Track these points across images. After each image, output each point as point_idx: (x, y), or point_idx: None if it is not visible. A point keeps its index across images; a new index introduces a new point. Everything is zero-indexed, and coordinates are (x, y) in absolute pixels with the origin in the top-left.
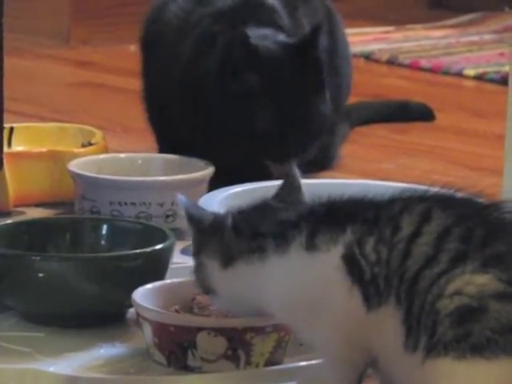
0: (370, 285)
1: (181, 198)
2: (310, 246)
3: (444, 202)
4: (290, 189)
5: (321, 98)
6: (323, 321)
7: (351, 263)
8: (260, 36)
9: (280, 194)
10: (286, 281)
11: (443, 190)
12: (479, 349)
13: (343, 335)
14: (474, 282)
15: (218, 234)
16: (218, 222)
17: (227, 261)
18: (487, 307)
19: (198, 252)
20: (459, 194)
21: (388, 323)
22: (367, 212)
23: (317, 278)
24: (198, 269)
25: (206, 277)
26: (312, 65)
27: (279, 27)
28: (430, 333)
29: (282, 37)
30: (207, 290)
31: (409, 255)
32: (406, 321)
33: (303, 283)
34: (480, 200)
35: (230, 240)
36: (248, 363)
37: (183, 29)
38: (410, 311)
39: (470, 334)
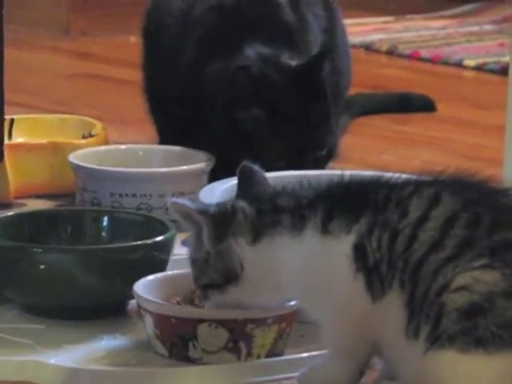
0: (373, 272)
1: (173, 200)
2: (325, 231)
3: (454, 186)
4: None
5: (324, 126)
6: (330, 307)
7: (359, 251)
8: (263, 58)
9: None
10: (300, 259)
11: (455, 175)
12: (483, 343)
13: (348, 324)
14: (482, 279)
15: (238, 215)
16: (231, 205)
17: (254, 236)
18: (494, 305)
19: (219, 239)
20: (471, 179)
21: (392, 309)
22: (379, 195)
23: (328, 262)
24: (223, 254)
25: (233, 259)
26: (315, 90)
27: (285, 25)
28: (434, 324)
29: (286, 57)
30: (231, 276)
31: (415, 239)
32: (408, 305)
33: (315, 264)
34: (491, 185)
35: (251, 217)
36: (249, 355)
37: (186, 21)
38: (413, 295)
39: (475, 328)
